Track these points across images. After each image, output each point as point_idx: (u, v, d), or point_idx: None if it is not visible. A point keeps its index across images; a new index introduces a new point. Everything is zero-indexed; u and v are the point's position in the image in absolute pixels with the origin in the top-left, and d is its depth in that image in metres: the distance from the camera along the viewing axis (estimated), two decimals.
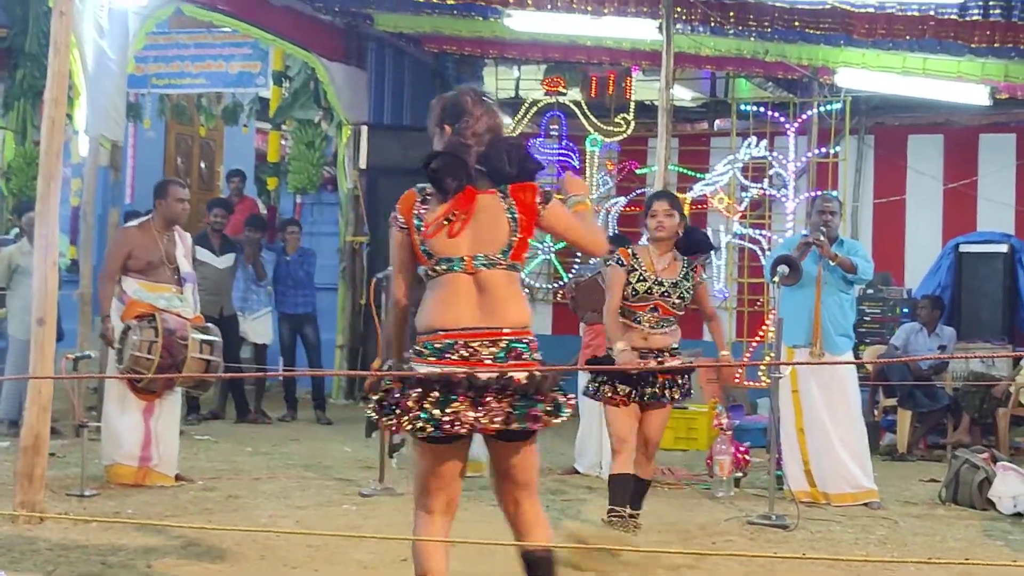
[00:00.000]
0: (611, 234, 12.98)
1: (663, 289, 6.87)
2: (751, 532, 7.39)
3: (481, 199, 4.40)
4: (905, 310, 12.64)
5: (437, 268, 4.41)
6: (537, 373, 4.32)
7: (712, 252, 7.17)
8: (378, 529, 6.93)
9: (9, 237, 12.29)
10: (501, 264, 4.40)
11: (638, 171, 14.66)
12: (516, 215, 4.42)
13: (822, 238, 8.37)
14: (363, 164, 13.54)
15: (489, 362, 4.31)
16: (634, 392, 6.86)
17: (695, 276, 6.98)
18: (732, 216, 14.16)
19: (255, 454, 10.05)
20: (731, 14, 11.15)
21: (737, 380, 12.80)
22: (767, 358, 12.28)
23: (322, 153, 14.69)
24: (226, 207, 12.37)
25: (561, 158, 14.77)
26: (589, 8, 11.13)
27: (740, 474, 8.98)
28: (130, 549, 6.27)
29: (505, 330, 4.36)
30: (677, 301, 6.89)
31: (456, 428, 4.24)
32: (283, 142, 15.62)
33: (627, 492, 6.83)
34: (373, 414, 4.41)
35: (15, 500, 6.83)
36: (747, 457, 9.05)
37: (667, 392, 6.90)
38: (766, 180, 14.02)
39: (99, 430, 8.35)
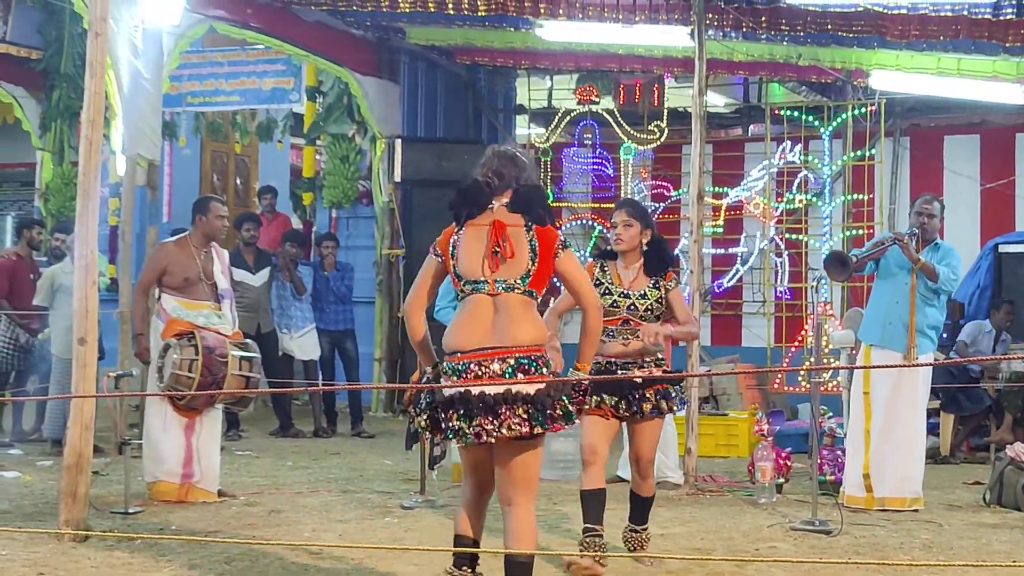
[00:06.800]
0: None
1: (629, 302, 6.45)
2: (794, 538, 7.35)
3: (510, 228, 4.97)
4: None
5: (464, 289, 4.99)
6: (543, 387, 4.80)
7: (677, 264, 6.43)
8: (420, 541, 6.94)
9: (43, 258, 12.37)
10: (518, 289, 4.91)
11: (672, 195, 14.65)
12: (536, 248, 4.93)
13: (906, 238, 8.11)
14: (398, 177, 13.62)
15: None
16: (623, 404, 6.34)
17: (665, 283, 6.50)
18: (768, 221, 14.12)
19: (296, 468, 10.09)
20: (763, 19, 11.13)
21: None
22: (807, 363, 12.21)
23: (357, 167, 14.75)
24: (255, 221, 12.41)
25: (595, 167, 14.76)
26: (620, 16, 11.12)
27: (782, 480, 8.94)
28: (174, 565, 6.31)
29: (513, 348, 4.86)
30: (645, 313, 6.44)
31: (484, 439, 4.79)
32: (318, 157, 15.70)
33: (601, 508, 6.31)
34: (420, 427, 5.04)
35: (60, 518, 6.87)
36: (788, 463, 9.01)
37: (661, 404, 6.38)
38: (802, 184, 13.97)
39: (141, 448, 8.40)
